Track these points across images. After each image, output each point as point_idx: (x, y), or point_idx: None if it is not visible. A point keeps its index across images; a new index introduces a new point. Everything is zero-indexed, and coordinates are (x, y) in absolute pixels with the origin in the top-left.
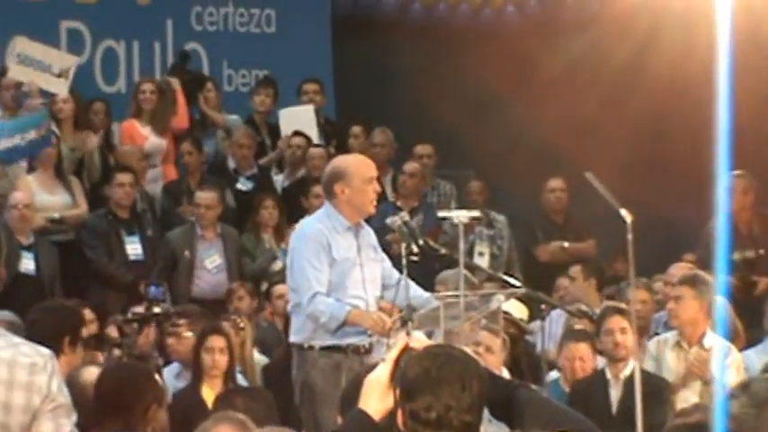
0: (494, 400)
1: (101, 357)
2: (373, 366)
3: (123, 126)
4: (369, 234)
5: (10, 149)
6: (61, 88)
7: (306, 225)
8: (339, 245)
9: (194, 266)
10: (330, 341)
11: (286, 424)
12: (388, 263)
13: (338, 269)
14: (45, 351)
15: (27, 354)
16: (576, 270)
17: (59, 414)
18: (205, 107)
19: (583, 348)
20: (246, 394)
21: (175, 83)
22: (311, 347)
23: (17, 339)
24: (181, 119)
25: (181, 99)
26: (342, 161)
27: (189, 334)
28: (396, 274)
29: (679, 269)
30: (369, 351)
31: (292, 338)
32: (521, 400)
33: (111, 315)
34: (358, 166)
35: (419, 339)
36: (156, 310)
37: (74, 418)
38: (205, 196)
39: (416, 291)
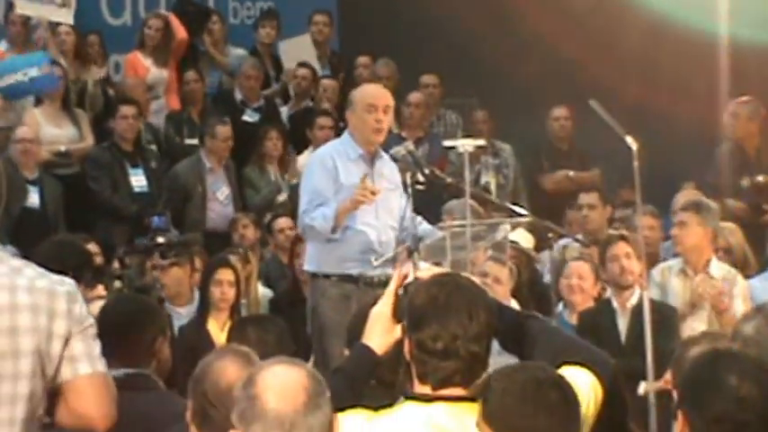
0: (504, 332)
1: (101, 290)
2: (378, 299)
3: (127, 58)
4: (386, 165)
5: (12, 86)
6: (67, 17)
7: (319, 150)
8: (349, 171)
9: (206, 198)
10: (340, 270)
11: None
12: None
13: (345, 195)
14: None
15: (61, 282)
16: (593, 197)
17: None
18: (212, 50)
19: (580, 266)
20: (258, 324)
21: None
22: (322, 276)
23: (39, 269)
24: (178, 31)
25: (172, 17)
26: (356, 89)
27: (175, 268)
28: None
29: (685, 196)
30: (383, 284)
31: (306, 266)
32: (531, 330)
33: (116, 248)
34: (362, 93)
35: (428, 269)
36: (160, 240)
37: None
38: (224, 130)
39: (424, 226)
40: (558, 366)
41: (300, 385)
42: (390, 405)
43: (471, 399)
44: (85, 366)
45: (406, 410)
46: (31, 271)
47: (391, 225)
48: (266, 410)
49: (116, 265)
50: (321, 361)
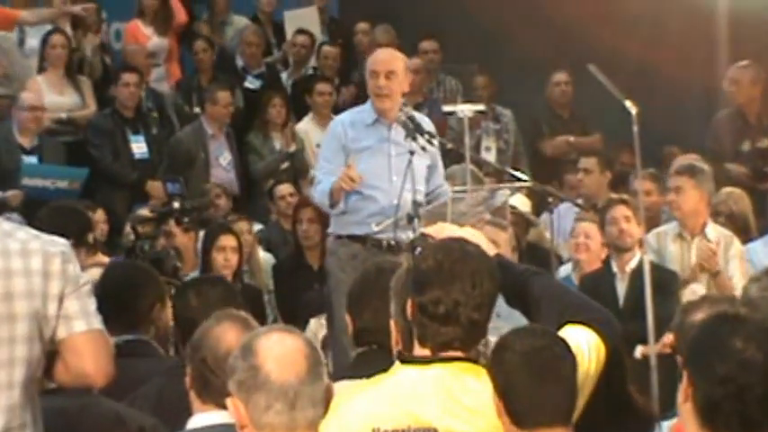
0: (509, 288)
1: (102, 257)
2: (380, 265)
3: (127, 27)
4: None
5: (36, 189)
6: None
7: (340, 115)
8: (363, 135)
9: (210, 165)
10: (348, 231)
11: (289, 321)
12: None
13: (356, 158)
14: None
15: (54, 243)
16: (591, 162)
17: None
18: (208, 29)
19: (587, 226)
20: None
21: None
22: (334, 236)
23: (32, 231)
24: (178, 13)
25: (175, 2)
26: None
27: (179, 231)
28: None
29: (683, 161)
30: (393, 249)
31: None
32: (537, 288)
33: (117, 215)
34: (370, 59)
35: (438, 226)
36: (176, 205)
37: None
38: (225, 95)
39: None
40: (563, 325)
41: (301, 353)
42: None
43: (470, 359)
44: (81, 324)
45: (404, 374)
46: (23, 234)
47: (415, 188)
48: (270, 380)
49: (131, 235)
50: (330, 319)
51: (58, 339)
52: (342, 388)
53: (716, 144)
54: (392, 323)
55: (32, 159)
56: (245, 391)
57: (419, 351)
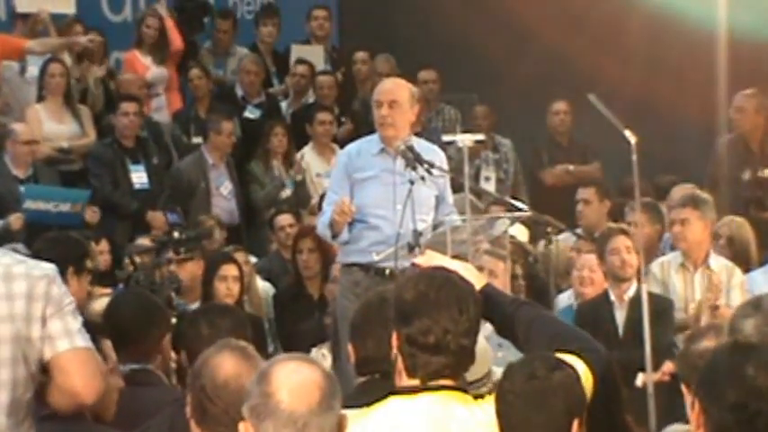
0: (499, 319)
1: (103, 289)
2: (383, 294)
3: (126, 57)
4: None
5: (38, 212)
6: (68, 6)
7: (348, 145)
8: (367, 164)
9: (210, 194)
10: (352, 259)
11: (289, 350)
12: (447, 198)
13: (359, 187)
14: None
15: (38, 267)
16: (590, 192)
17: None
18: (207, 58)
19: (591, 259)
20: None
21: (161, 8)
22: (342, 265)
23: (18, 256)
24: (174, 40)
25: (169, 22)
26: None
27: (190, 263)
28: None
29: (680, 191)
30: (396, 278)
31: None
32: (526, 318)
33: (117, 245)
34: (376, 89)
35: (428, 255)
36: (176, 235)
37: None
38: (228, 125)
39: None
40: (552, 353)
41: (315, 384)
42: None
43: (459, 388)
44: (64, 343)
45: (392, 405)
46: (8, 259)
47: (419, 218)
48: (280, 409)
49: (129, 267)
50: (334, 346)
51: (45, 361)
52: None
53: (716, 170)
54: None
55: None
56: (257, 416)
57: (407, 381)
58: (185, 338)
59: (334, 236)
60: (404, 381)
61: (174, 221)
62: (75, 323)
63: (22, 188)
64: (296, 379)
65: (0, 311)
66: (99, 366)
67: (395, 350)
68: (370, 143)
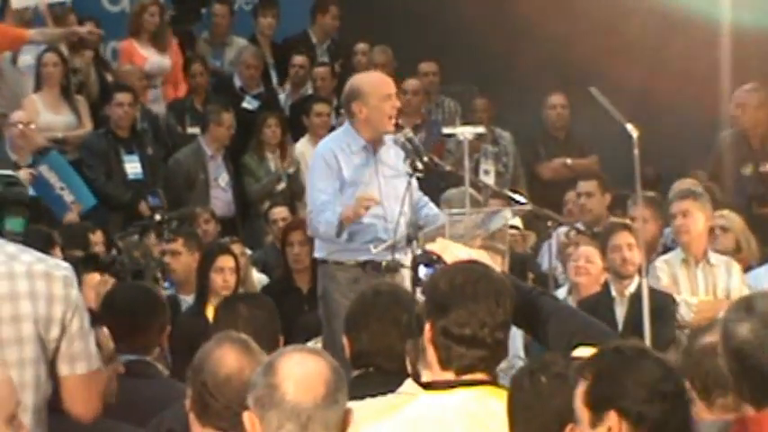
0: (516, 307)
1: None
2: (378, 287)
3: (121, 47)
4: (389, 151)
5: (45, 182)
6: None
7: (320, 145)
8: (351, 164)
9: (209, 186)
10: (348, 257)
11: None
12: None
13: (350, 187)
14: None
15: (58, 266)
16: (592, 185)
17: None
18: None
19: (589, 250)
20: (249, 301)
21: None
22: (332, 262)
23: (37, 253)
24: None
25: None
26: (359, 79)
27: (185, 251)
28: (421, 194)
29: (682, 185)
30: (393, 269)
31: (315, 253)
32: (544, 308)
33: (110, 236)
34: (374, 83)
35: (441, 244)
36: (157, 217)
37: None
38: (228, 116)
39: (431, 207)
40: (574, 346)
41: (321, 377)
42: (389, 392)
43: (494, 382)
44: (82, 366)
45: (424, 401)
46: (28, 256)
47: (401, 211)
48: (285, 401)
49: (114, 251)
50: (330, 345)
51: (61, 375)
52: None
53: (717, 166)
54: (408, 345)
55: None
56: (261, 407)
57: (441, 374)
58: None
59: (339, 233)
60: (435, 373)
61: (154, 204)
62: (92, 341)
63: (53, 151)
64: (301, 371)
65: (24, 310)
66: (102, 385)
67: (425, 341)
68: (347, 139)
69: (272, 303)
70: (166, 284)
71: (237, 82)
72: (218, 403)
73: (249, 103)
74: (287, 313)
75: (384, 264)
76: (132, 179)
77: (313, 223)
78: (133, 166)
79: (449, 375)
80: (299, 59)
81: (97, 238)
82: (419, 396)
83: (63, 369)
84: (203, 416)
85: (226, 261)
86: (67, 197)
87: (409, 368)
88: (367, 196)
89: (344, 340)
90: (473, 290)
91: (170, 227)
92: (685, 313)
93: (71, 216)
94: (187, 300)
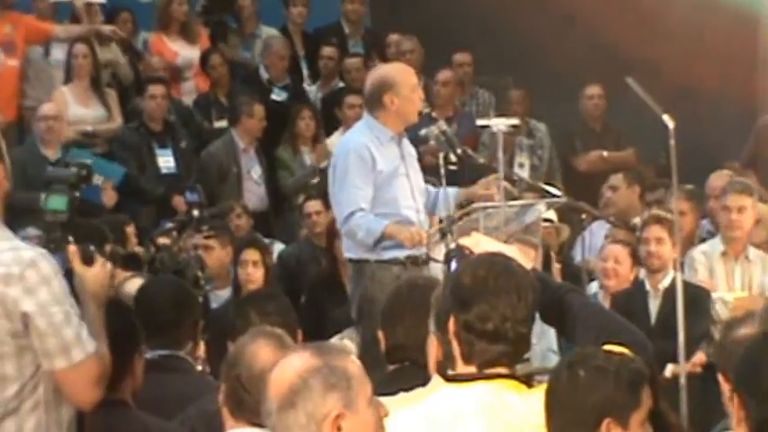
0: (545, 304)
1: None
2: (413, 281)
3: (151, 41)
4: (408, 143)
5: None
6: None
7: (349, 140)
8: (384, 156)
9: (242, 179)
10: (387, 254)
11: (314, 337)
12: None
13: (385, 181)
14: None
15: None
16: (618, 178)
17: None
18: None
19: (618, 250)
20: (259, 305)
21: None
22: (368, 261)
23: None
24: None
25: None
26: (388, 70)
27: (217, 246)
28: (428, 186)
29: (719, 178)
30: (426, 262)
31: (346, 254)
32: (573, 305)
33: (142, 230)
34: (404, 74)
35: (474, 238)
36: (195, 213)
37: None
38: (260, 108)
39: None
40: (601, 344)
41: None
42: (423, 385)
43: (513, 376)
44: (61, 361)
45: (443, 392)
46: (12, 242)
47: (425, 204)
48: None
49: (151, 248)
50: (371, 345)
51: (45, 370)
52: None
53: (754, 151)
54: (432, 339)
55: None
56: None
57: (463, 368)
58: (234, 328)
59: (377, 243)
60: (459, 367)
61: (192, 200)
62: (70, 330)
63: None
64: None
65: None
66: (98, 372)
67: (450, 335)
68: (375, 131)
69: (283, 300)
70: (207, 286)
71: (264, 74)
72: (251, 398)
73: (278, 95)
74: (329, 307)
75: (421, 259)
76: (165, 173)
77: (350, 225)
78: (166, 160)
79: (471, 369)
80: (327, 51)
81: (131, 231)
82: (440, 388)
83: (45, 365)
84: (237, 410)
85: (249, 254)
86: (97, 180)
87: (431, 364)
88: (422, 235)
89: (380, 334)
90: (494, 284)
91: (210, 224)
92: (721, 311)
93: (109, 195)
94: (219, 295)
